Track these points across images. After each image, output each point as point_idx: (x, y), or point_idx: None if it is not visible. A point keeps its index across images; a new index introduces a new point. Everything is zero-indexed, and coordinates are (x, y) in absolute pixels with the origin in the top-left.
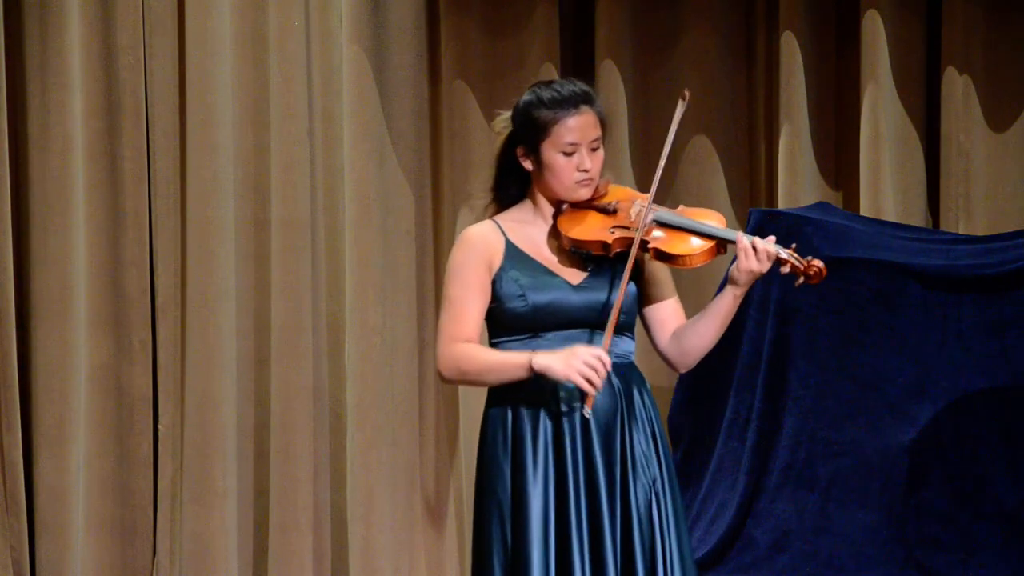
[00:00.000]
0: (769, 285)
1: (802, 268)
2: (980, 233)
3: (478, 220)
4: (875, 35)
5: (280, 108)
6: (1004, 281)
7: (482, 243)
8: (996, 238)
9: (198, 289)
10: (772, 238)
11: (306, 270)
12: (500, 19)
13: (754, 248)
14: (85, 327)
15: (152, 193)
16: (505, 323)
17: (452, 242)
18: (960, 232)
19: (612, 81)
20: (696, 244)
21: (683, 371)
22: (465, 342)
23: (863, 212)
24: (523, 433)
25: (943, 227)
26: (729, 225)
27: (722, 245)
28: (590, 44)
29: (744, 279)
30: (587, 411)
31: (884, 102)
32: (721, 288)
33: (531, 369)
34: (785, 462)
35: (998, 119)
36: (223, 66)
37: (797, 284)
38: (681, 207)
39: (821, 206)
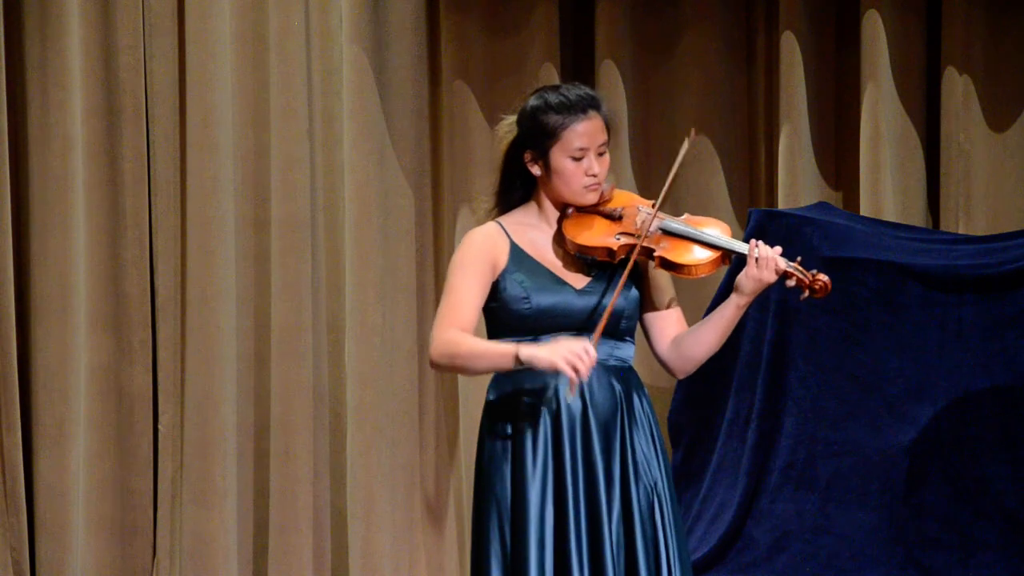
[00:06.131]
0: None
1: (807, 282)
2: (980, 233)
3: (480, 222)
4: (875, 35)
5: (280, 108)
6: (1004, 281)
7: (487, 243)
8: (996, 238)
9: (198, 289)
10: (779, 249)
11: (306, 270)
12: (500, 19)
13: (759, 259)
14: (85, 327)
15: (152, 193)
16: (506, 324)
17: (452, 242)
18: (960, 232)
19: (612, 81)
20: (701, 255)
21: (681, 377)
22: (460, 329)
23: (863, 212)
24: (523, 432)
25: (943, 227)
26: (730, 226)
27: (727, 256)
28: (590, 44)
29: (749, 288)
30: (569, 396)
31: (884, 102)
32: (713, 295)
33: (517, 359)
34: (785, 462)
35: (998, 119)
36: (223, 66)
37: (802, 298)
38: (686, 215)
39: (821, 206)
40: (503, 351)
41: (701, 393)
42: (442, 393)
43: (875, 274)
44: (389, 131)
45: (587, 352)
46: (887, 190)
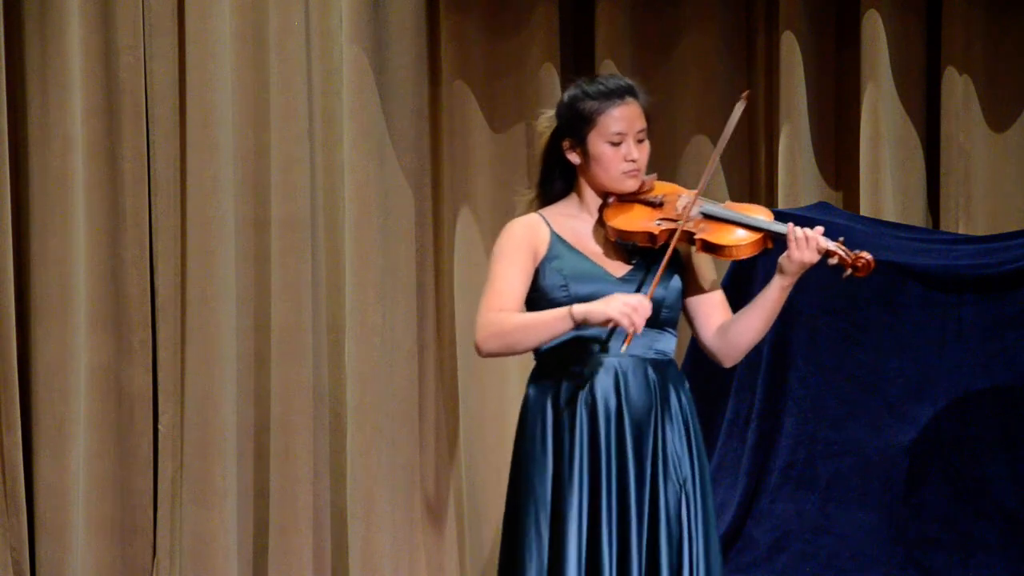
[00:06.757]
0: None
1: (850, 260)
2: (980, 233)
3: (521, 215)
4: (875, 35)
5: (280, 108)
6: (1004, 281)
7: (529, 231)
8: (996, 238)
9: (198, 289)
10: (820, 229)
11: (306, 270)
12: (500, 19)
13: (804, 239)
14: (85, 327)
15: (152, 193)
16: None
17: (452, 242)
18: (960, 232)
19: None
20: (743, 235)
21: (729, 364)
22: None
23: (863, 212)
24: (561, 429)
25: (943, 227)
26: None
27: (770, 238)
28: (590, 44)
29: (793, 269)
30: (624, 348)
31: (884, 102)
32: (733, 278)
33: (572, 318)
34: (785, 462)
35: (998, 119)
36: (223, 66)
37: (844, 276)
38: (728, 202)
39: (821, 206)
40: (556, 314)
41: (701, 393)
42: (442, 393)
43: (875, 274)
44: (389, 131)
45: (642, 304)
46: (887, 190)
